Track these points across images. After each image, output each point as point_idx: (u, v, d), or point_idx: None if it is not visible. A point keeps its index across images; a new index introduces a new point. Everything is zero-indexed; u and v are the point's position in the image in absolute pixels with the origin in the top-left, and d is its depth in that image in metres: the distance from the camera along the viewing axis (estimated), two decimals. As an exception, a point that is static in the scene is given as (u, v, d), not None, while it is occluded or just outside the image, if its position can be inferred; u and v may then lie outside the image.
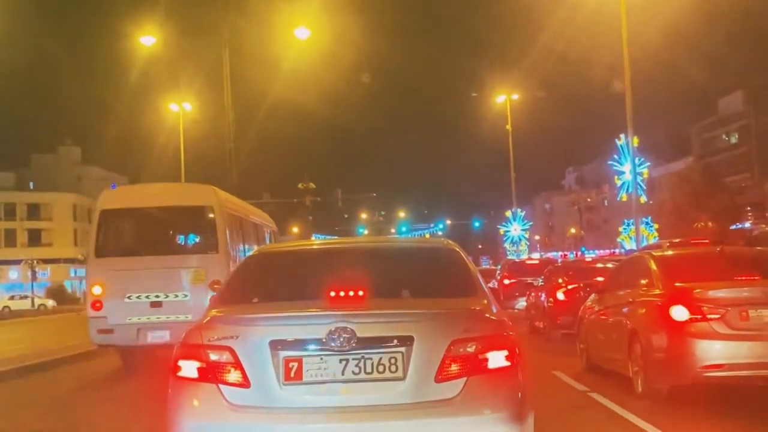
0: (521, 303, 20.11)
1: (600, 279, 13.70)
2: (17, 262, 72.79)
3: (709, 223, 58.62)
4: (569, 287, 14.80)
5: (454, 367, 3.86)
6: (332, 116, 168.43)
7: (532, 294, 17.57)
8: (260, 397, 3.88)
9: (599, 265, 17.51)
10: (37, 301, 59.87)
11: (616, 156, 44.13)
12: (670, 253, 9.30)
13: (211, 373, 3.94)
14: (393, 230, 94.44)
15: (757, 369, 7.17)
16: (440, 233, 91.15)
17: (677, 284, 7.67)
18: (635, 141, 38.81)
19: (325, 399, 3.86)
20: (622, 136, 41.55)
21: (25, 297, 60.00)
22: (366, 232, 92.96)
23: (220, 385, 3.92)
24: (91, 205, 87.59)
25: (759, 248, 10.39)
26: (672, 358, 7.39)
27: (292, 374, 3.87)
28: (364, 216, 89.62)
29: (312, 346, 3.88)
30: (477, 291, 4.55)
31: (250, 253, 5.60)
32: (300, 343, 3.89)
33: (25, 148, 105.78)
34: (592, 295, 10.49)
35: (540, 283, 17.55)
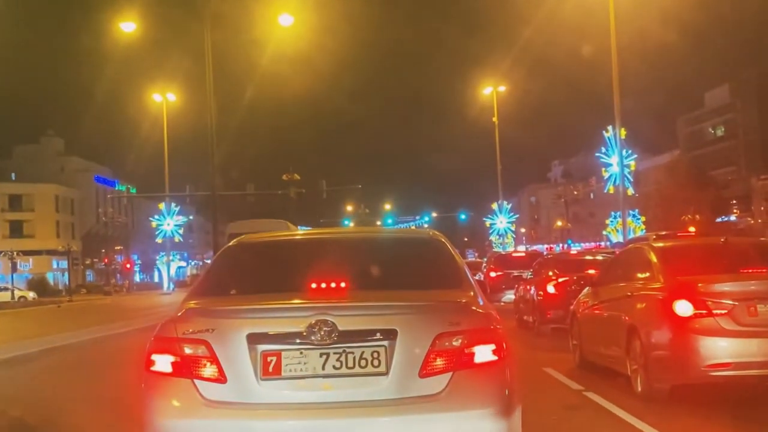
0: (508, 296, 19.64)
1: (591, 272, 13.58)
2: (7, 253, 72.14)
3: (697, 216, 58.74)
4: (560, 280, 14.39)
5: (439, 362, 3.75)
6: (316, 107, 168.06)
7: (521, 287, 17.09)
8: (237, 393, 3.76)
9: (589, 257, 17.32)
10: (18, 293, 58.89)
11: (603, 148, 43.53)
12: (670, 244, 8.77)
13: (185, 368, 3.82)
14: (378, 222, 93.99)
15: (767, 368, 6.67)
16: (426, 226, 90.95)
17: (680, 277, 7.16)
18: (623, 133, 38.67)
19: (305, 395, 3.74)
20: (609, 127, 41.09)
21: (6, 289, 59.15)
22: (351, 224, 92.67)
23: (195, 380, 3.81)
24: (73, 195, 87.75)
25: (763, 239, 9.90)
26: (675, 356, 6.90)
27: (271, 369, 3.76)
28: (349, 208, 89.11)
29: (291, 340, 3.76)
30: (463, 283, 4.41)
31: (229, 243, 5.32)
32: (279, 337, 3.78)
33: (7, 139, 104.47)
34: (586, 289, 9.97)
35: (529, 276, 17.17)
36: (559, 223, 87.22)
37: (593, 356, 9.09)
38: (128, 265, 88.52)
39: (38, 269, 78.84)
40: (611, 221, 63.30)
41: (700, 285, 6.88)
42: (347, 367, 3.76)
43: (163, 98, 57.39)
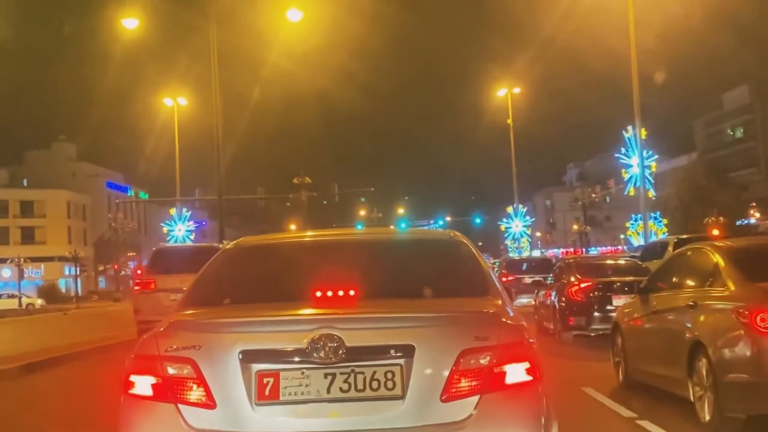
0: (519, 301, 18.91)
1: (616, 278, 13.70)
2: (13, 260, 72.22)
3: (721, 218, 57.60)
4: (582, 285, 13.58)
5: (464, 383, 3.31)
6: (327, 109, 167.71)
7: (541, 293, 16.49)
8: (228, 420, 3.32)
9: (611, 261, 17.32)
10: (26, 300, 58.99)
11: (623, 149, 42.12)
12: (738, 244, 7.48)
13: (169, 391, 3.39)
14: (392, 227, 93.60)
15: None
16: (440, 229, 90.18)
17: (759, 284, 5.90)
18: (643, 133, 37.50)
19: (307, 422, 3.31)
20: (629, 127, 39.76)
21: (13, 296, 59.32)
22: (363, 228, 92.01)
23: (180, 405, 3.37)
24: (85, 201, 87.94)
25: None
26: (755, 381, 5.63)
27: (267, 392, 3.33)
28: (362, 212, 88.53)
29: (291, 358, 3.33)
30: (490, 290, 3.95)
31: (226, 246, 4.80)
32: (277, 354, 3.35)
33: (19, 145, 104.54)
34: (630, 297, 8.70)
35: (549, 281, 16.63)
36: (576, 227, 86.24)
37: (642, 375, 7.82)
38: (139, 271, 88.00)
39: (50, 276, 79.06)
40: (632, 224, 62.68)
41: (785, 293, 5.63)
42: (356, 389, 3.32)
43: (174, 102, 57.44)
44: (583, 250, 69.73)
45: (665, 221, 61.62)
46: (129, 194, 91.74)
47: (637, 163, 38.38)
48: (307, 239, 5.10)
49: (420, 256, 4.50)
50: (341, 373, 3.32)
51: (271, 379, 3.34)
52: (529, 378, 3.36)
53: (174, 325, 3.65)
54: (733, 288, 6.18)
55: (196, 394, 3.38)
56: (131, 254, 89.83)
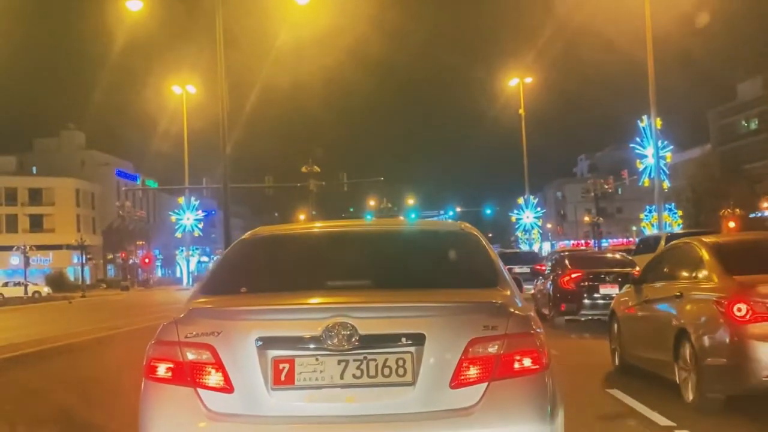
0: None
1: (604, 269, 15.51)
2: (19, 248, 72.72)
3: (737, 210, 57.64)
4: (573, 275, 15.25)
5: (472, 371, 3.42)
6: (337, 97, 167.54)
7: (539, 281, 18.34)
8: (245, 404, 3.45)
9: (599, 255, 20.41)
10: (32, 288, 58.69)
11: (638, 138, 42.07)
12: (724, 239, 8.13)
13: (188, 376, 3.51)
14: (401, 217, 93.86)
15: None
16: (450, 221, 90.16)
17: (737, 277, 6.55)
18: (658, 123, 37.33)
19: (321, 407, 3.43)
20: (644, 117, 39.61)
21: (20, 284, 59.11)
22: (373, 219, 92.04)
23: (199, 390, 3.49)
24: (94, 189, 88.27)
25: None
26: (731, 364, 6.28)
27: (283, 377, 3.44)
28: (371, 203, 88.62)
29: (306, 345, 3.44)
30: (499, 281, 4.04)
31: (242, 236, 4.97)
32: (292, 341, 3.46)
33: (28, 132, 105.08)
34: (626, 287, 9.37)
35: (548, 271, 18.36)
36: (587, 219, 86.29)
37: (635, 360, 8.49)
38: (147, 260, 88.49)
39: (59, 264, 79.57)
40: (646, 215, 62.46)
41: (760, 286, 6.27)
42: (369, 375, 3.43)
43: (183, 90, 57.58)
44: (593, 242, 69.78)
45: (680, 213, 60.83)
46: (138, 183, 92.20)
47: (652, 153, 38.43)
48: (321, 230, 5.25)
49: (431, 248, 4.62)
50: (354, 360, 3.44)
51: (287, 365, 3.46)
52: (536, 367, 3.48)
53: (193, 312, 3.76)
54: (715, 280, 6.83)
55: (214, 378, 3.50)
56: (141, 243, 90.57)
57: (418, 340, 3.42)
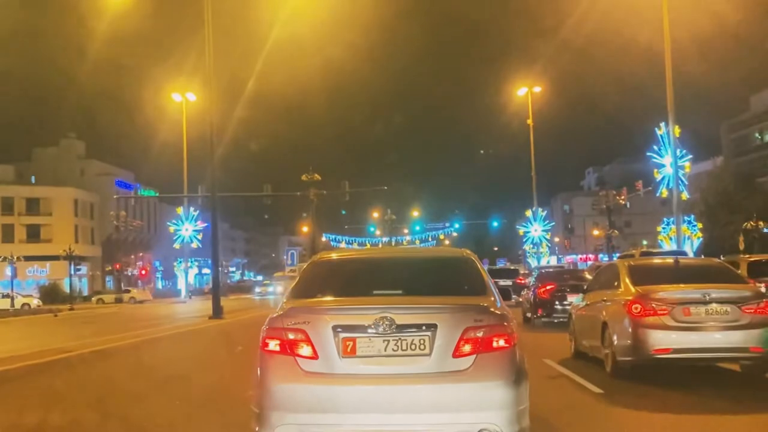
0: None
1: (572, 282, 20.98)
2: (6, 258, 68.29)
3: (760, 223, 57.17)
4: (548, 287, 21.04)
5: (467, 347, 5.19)
6: (339, 105, 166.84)
7: (524, 292, 24.44)
8: (325, 366, 5.21)
9: (570, 271, 30.27)
10: (21, 300, 58.31)
11: (655, 147, 40.77)
12: (635, 262, 12.22)
13: (289, 348, 5.28)
14: (406, 230, 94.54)
15: (698, 353, 9.85)
16: (455, 234, 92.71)
17: (637, 287, 10.41)
18: (677, 130, 36.62)
19: (372, 368, 5.20)
20: (662, 124, 38.85)
21: (7, 296, 57.88)
22: (377, 231, 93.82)
23: (296, 357, 5.26)
24: (93, 199, 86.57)
25: (704, 258, 13.32)
26: (631, 344, 10.10)
27: (349, 350, 5.21)
28: (375, 214, 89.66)
29: (363, 330, 5.21)
30: (486, 291, 5.91)
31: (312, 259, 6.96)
32: (354, 328, 5.23)
33: (27, 141, 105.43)
34: (580, 295, 13.29)
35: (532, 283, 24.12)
36: (596, 232, 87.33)
37: (582, 347, 12.39)
38: (143, 272, 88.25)
39: (56, 275, 79.79)
40: (663, 228, 61.16)
41: (650, 293, 10.11)
42: (402, 350, 5.18)
43: (183, 98, 58.23)
44: (600, 256, 68.65)
45: (700, 225, 59.57)
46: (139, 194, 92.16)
47: (670, 163, 37.89)
48: (367, 256, 7.60)
49: (441, 268, 6.47)
50: (393, 340, 5.13)
51: (351, 342, 5.15)
52: (507, 345, 5.19)
53: (292, 309, 5.47)
54: (623, 289, 10.71)
55: (306, 350, 5.18)
56: (141, 254, 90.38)
57: (432, 327, 5.16)
